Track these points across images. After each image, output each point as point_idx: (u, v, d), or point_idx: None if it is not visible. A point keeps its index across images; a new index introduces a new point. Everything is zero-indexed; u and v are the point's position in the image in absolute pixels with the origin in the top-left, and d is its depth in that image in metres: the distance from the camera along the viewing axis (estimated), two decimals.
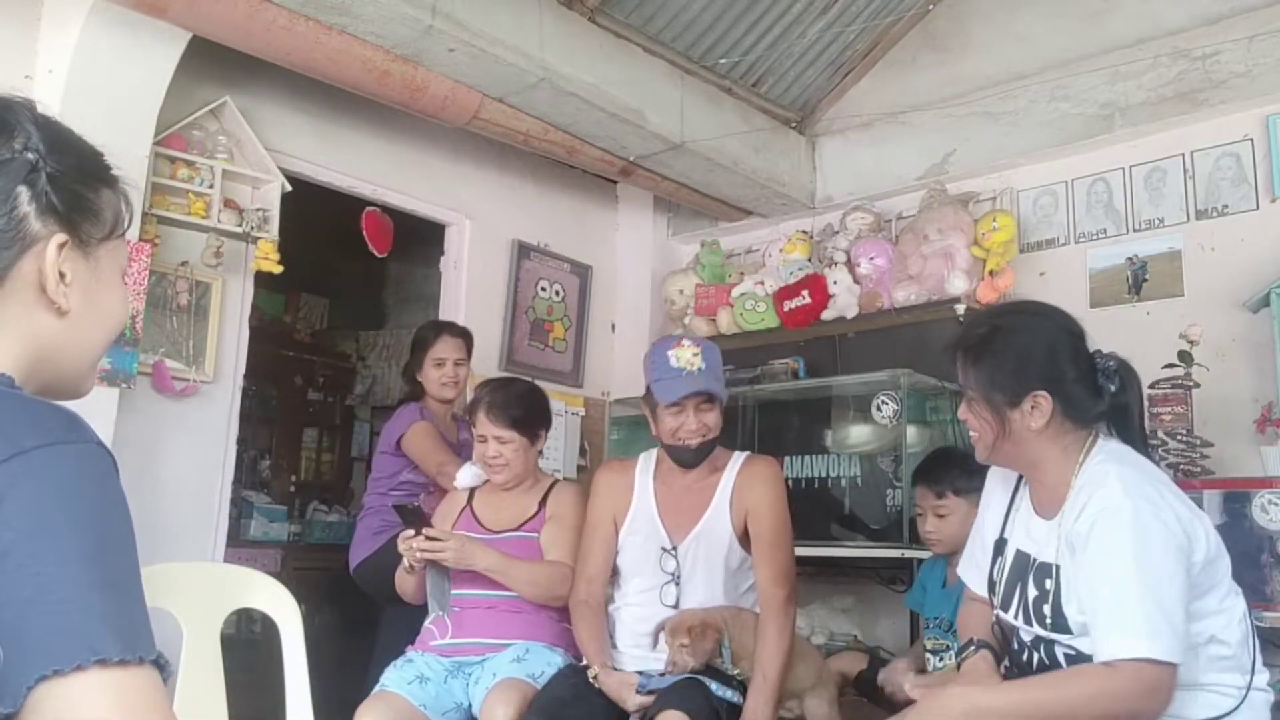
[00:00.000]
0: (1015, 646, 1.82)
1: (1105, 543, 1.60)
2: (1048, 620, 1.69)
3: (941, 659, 2.79)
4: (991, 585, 1.86)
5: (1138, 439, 1.76)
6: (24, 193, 0.90)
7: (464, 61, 3.12)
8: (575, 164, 4.03)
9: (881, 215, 4.09)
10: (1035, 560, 1.75)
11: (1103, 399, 1.74)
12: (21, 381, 0.91)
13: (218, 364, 3.32)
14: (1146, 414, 1.84)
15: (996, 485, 1.94)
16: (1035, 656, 1.74)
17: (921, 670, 2.69)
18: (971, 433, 1.82)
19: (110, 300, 1.00)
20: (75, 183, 0.94)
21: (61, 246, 0.92)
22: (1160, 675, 1.50)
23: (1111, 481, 1.64)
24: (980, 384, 1.75)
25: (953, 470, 2.74)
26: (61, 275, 0.93)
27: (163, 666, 0.80)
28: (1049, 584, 1.70)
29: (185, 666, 2.02)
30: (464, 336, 3.48)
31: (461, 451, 3.30)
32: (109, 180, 0.99)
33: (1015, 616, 1.78)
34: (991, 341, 1.78)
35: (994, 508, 1.91)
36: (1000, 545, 1.86)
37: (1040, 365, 1.73)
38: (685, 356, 2.37)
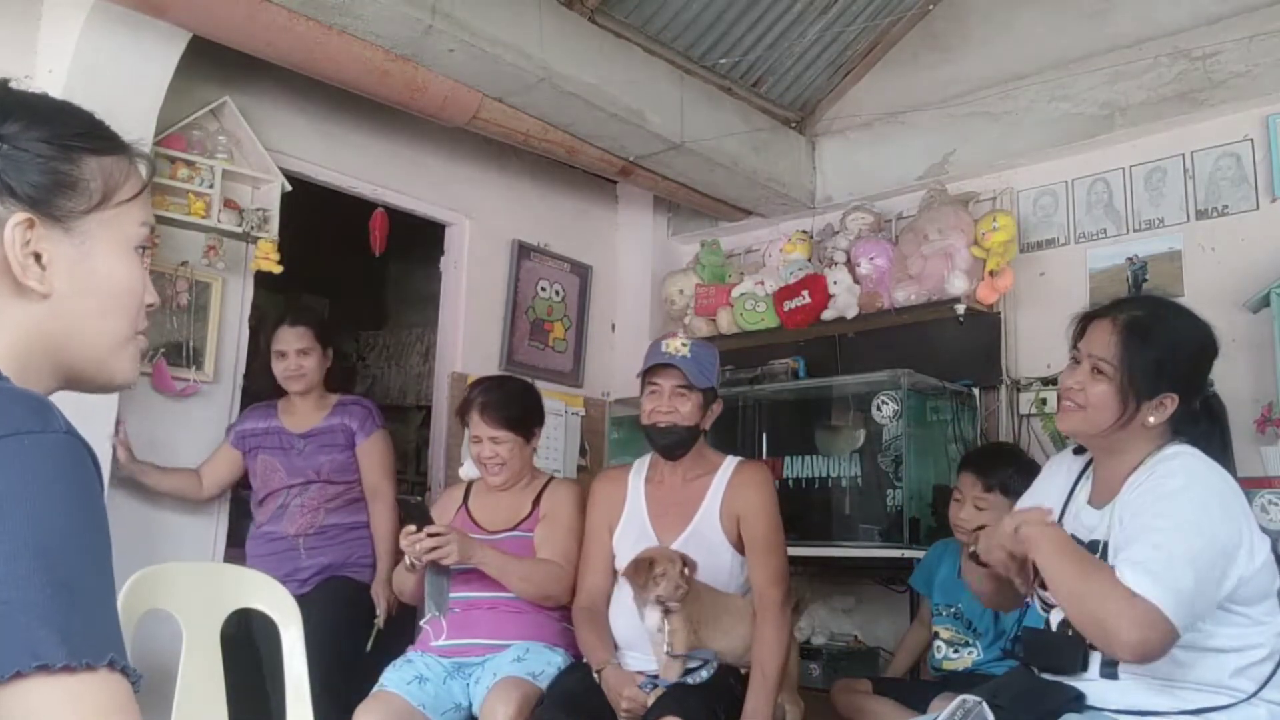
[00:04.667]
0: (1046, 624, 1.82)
1: (1165, 494, 1.62)
2: None
3: (958, 651, 2.78)
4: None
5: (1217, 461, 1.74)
6: None
7: (464, 61, 3.12)
8: (575, 164, 4.03)
9: (881, 215, 4.08)
10: (1084, 542, 1.74)
11: (1199, 421, 1.75)
12: (23, 375, 0.86)
13: (218, 364, 3.32)
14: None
15: (1058, 474, 1.92)
16: (1072, 631, 1.72)
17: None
18: (1070, 402, 1.76)
19: (109, 275, 0.92)
20: (42, 155, 0.87)
21: (26, 227, 0.86)
22: (1166, 636, 1.53)
23: (1179, 461, 1.67)
24: (1126, 363, 1.69)
25: (1007, 468, 2.70)
26: (37, 256, 0.86)
27: (129, 673, 0.73)
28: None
29: (185, 667, 2.01)
30: (308, 324, 3.23)
31: (321, 437, 3.20)
32: (96, 147, 0.92)
33: None
34: (1154, 327, 1.73)
35: (1053, 496, 1.88)
36: None
37: (1185, 369, 1.72)
38: (674, 344, 2.47)
